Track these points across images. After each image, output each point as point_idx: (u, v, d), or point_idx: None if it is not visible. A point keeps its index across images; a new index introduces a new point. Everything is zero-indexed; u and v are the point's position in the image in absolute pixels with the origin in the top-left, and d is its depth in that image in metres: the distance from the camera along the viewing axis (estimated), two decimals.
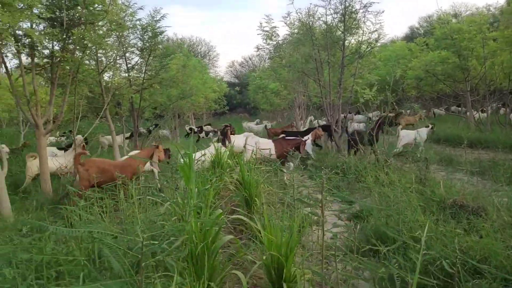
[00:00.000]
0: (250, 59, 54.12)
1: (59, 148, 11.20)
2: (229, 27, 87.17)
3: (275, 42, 15.84)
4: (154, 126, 13.17)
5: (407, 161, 8.20)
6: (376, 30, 11.79)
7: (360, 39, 12.15)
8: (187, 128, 22.42)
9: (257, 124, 23.50)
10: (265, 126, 20.59)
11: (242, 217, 3.52)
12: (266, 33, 15.51)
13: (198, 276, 2.86)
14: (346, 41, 12.01)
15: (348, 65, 12.32)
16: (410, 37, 38.38)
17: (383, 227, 4.55)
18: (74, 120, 7.50)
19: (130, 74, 12.68)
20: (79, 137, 10.81)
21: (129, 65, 12.76)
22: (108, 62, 10.86)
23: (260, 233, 3.54)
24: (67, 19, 7.50)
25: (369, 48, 12.21)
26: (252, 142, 9.26)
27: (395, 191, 5.47)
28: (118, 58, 11.86)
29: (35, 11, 6.87)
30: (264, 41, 14.94)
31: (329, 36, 11.87)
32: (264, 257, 3.11)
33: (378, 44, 13.25)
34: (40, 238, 3.56)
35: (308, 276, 3.26)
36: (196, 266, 2.87)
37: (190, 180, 3.42)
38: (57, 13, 7.51)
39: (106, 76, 11.83)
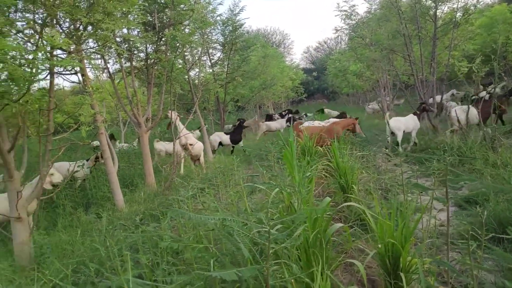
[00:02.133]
0: (325, 42, 52.67)
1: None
2: (301, 13, 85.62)
3: (354, 22, 15.13)
4: (238, 121, 13.53)
5: None
6: None
7: (454, 6, 10.96)
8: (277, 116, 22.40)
9: None
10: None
11: (353, 204, 3.38)
12: (344, 13, 14.88)
13: (311, 265, 2.83)
14: (438, 11, 10.94)
15: (441, 36, 11.23)
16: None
17: (506, 213, 4.06)
18: (171, 116, 7.97)
19: (214, 69, 13.16)
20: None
21: (212, 61, 13.27)
22: (194, 60, 11.39)
23: (367, 221, 3.38)
24: (157, 22, 8.00)
25: (466, 16, 10.95)
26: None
27: None
28: (202, 55, 12.39)
29: (130, 18, 7.45)
30: (343, 21, 14.35)
31: (418, 8, 10.91)
32: (379, 246, 2.95)
33: (476, 10, 11.83)
34: (156, 227, 3.87)
35: (426, 265, 3.03)
36: (308, 254, 2.84)
37: (294, 168, 3.38)
38: (149, 18, 8.06)
39: (192, 74, 12.46)
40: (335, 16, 16.92)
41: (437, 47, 10.90)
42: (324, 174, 6.30)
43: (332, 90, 35.61)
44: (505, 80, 13.39)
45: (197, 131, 11.75)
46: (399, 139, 9.51)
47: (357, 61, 17.32)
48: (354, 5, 13.49)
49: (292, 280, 2.20)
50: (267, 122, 16.08)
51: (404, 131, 9.64)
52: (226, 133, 12.71)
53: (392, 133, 9.67)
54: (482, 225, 2.78)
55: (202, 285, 2.05)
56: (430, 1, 10.88)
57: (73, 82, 6.82)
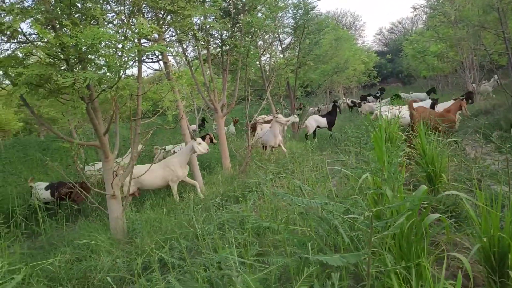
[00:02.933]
0: (399, 23, 49.49)
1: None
2: None
3: None
4: (333, 103, 13.26)
5: None
6: None
7: None
8: (348, 101, 21.84)
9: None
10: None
11: (457, 192, 3.11)
12: None
13: (406, 256, 2.67)
14: None
15: None
16: None
17: None
18: (247, 101, 8.07)
19: (285, 54, 13.03)
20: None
21: (283, 46, 13.14)
22: (266, 45, 11.36)
23: (468, 212, 3.09)
24: (232, 8, 8.07)
25: None
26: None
27: None
28: (273, 40, 12.31)
29: (206, 6, 7.61)
30: None
31: None
32: (484, 239, 2.68)
33: None
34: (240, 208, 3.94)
35: None
36: (403, 245, 2.67)
37: (384, 153, 3.20)
38: (224, 4, 8.16)
39: (263, 60, 12.46)
40: None
41: None
42: (409, 162, 5.94)
43: (408, 73, 33.42)
44: None
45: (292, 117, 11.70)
46: None
47: (439, 41, 15.99)
48: None
49: (397, 271, 2.08)
50: (370, 104, 16.16)
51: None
52: (322, 116, 12.67)
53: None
54: None
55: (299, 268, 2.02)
56: None
57: (155, 69, 7.18)
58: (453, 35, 13.59)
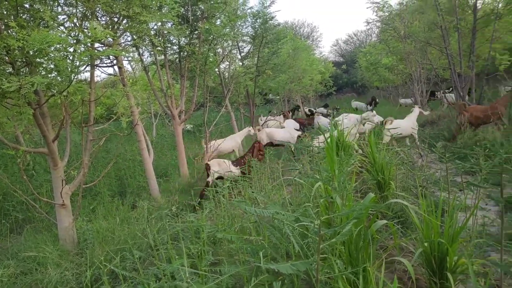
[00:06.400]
0: (355, 35, 51.54)
1: None
2: (329, 4, 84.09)
3: (387, 14, 14.77)
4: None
5: None
6: None
7: None
8: (306, 110, 22.29)
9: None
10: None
11: (401, 201, 3.30)
12: (376, 5, 14.53)
13: (354, 261, 2.79)
14: (479, 1, 10.46)
15: (481, 28, 10.73)
16: None
17: None
18: (205, 108, 8.04)
19: (244, 62, 13.15)
20: None
21: (242, 54, 13.25)
22: (225, 53, 11.42)
23: (413, 219, 3.29)
24: (191, 15, 8.05)
25: (509, 6, 10.40)
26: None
27: None
28: (232, 48, 12.39)
29: (164, 11, 7.53)
30: (375, 13, 14.02)
31: None
32: (425, 244, 2.87)
33: None
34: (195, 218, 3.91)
35: (475, 266, 2.92)
36: (352, 251, 2.79)
37: (334, 162, 3.32)
38: (183, 10, 8.12)
39: (222, 67, 12.50)
40: (367, 8, 16.55)
41: (476, 40, 10.44)
42: (361, 170, 6.18)
43: (362, 84, 34.86)
44: None
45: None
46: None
47: (390, 54, 16.89)
48: None
49: (343, 277, 2.16)
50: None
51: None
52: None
53: None
54: None
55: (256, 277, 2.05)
56: None
57: (109, 74, 6.98)
58: (402, 49, 14.41)
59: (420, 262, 3.30)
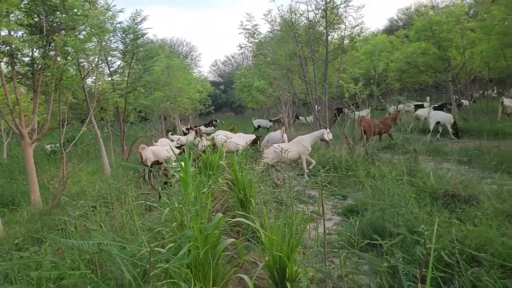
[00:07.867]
0: (233, 57, 53.94)
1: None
2: (210, 26, 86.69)
3: (257, 40, 15.87)
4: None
5: (396, 153, 8.31)
6: (357, 25, 11.93)
7: (342, 34, 12.26)
8: (184, 128, 22.10)
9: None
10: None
11: (242, 219, 3.50)
12: (248, 31, 15.51)
13: (202, 281, 2.85)
14: (329, 37, 12.10)
15: (332, 60, 12.41)
16: (390, 29, 38.78)
17: (380, 221, 4.60)
18: (61, 127, 7.32)
19: (113, 78, 12.50)
20: None
21: (111, 69, 12.59)
22: (90, 67, 10.68)
23: (258, 234, 3.54)
24: (46, 25, 7.34)
25: (352, 43, 12.32)
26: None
27: (387, 184, 5.51)
28: (100, 63, 11.67)
29: (12, 18, 6.70)
30: (247, 39, 14.95)
31: (311, 32, 11.94)
32: (266, 258, 3.11)
33: (360, 38, 13.38)
34: (36, 252, 3.49)
35: (310, 274, 3.28)
36: (199, 271, 2.86)
37: (188, 184, 3.39)
38: (36, 20, 7.35)
39: (89, 81, 11.65)
40: (239, 34, 17.54)
41: (328, 69, 12.01)
42: (225, 189, 6.39)
43: (239, 104, 36.55)
44: (382, 102, 15.37)
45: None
46: None
47: (260, 78, 18.14)
48: (256, 25, 14.15)
49: None
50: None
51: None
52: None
53: None
54: (355, 234, 3.14)
55: None
56: (322, 28, 11.97)
57: None
58: (271, 74, 15.67)
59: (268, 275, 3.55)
